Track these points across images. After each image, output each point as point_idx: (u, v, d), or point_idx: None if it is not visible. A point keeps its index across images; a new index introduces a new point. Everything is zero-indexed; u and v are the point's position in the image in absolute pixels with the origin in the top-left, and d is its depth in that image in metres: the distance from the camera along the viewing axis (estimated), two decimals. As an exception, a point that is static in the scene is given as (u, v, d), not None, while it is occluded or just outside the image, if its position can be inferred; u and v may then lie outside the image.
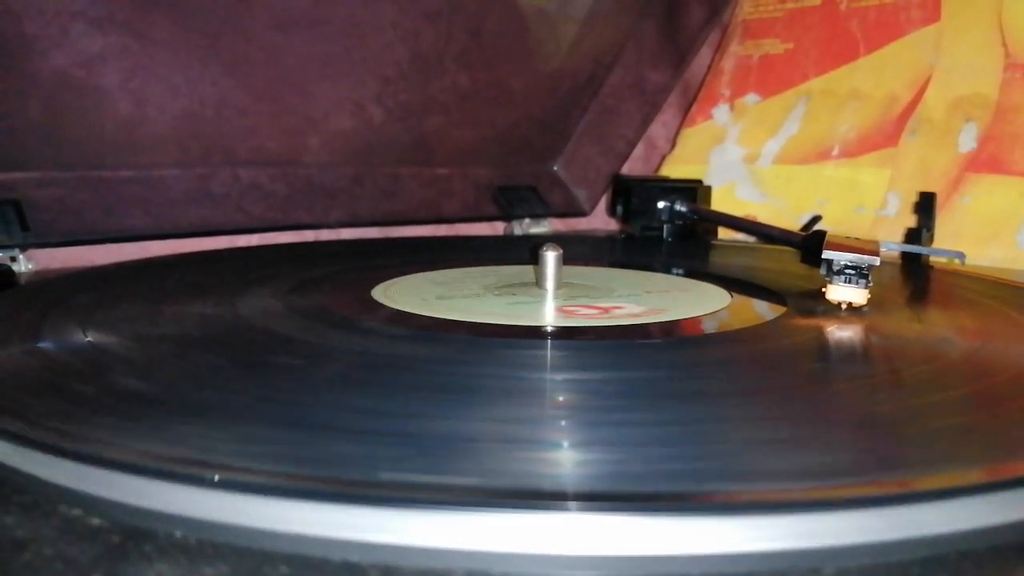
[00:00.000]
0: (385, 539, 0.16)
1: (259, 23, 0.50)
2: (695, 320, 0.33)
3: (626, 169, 0.71)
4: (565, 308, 0.34)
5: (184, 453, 0.19)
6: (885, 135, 0.57)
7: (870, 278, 0.34)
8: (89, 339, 0.28)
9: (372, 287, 0.38)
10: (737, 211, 0.59)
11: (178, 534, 0.16)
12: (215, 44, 0.50)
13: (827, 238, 0.36)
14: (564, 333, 0.31)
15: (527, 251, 0.46)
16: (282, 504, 0.16)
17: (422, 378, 0.25)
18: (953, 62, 0.55)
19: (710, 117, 0.67)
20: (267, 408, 0.22)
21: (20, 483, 0.18)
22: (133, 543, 0.16)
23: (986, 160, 0.52)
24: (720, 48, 0.70)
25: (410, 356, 0.28)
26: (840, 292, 0.34)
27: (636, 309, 0.34)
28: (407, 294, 0.37)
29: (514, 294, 0.37)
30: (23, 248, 0.46)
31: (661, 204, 0.58)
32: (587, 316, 0.33)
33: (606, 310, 0.34)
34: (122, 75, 0.48)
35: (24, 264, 0.46)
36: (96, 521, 0.17)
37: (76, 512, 0.17)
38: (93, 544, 0.16)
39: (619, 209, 0.61)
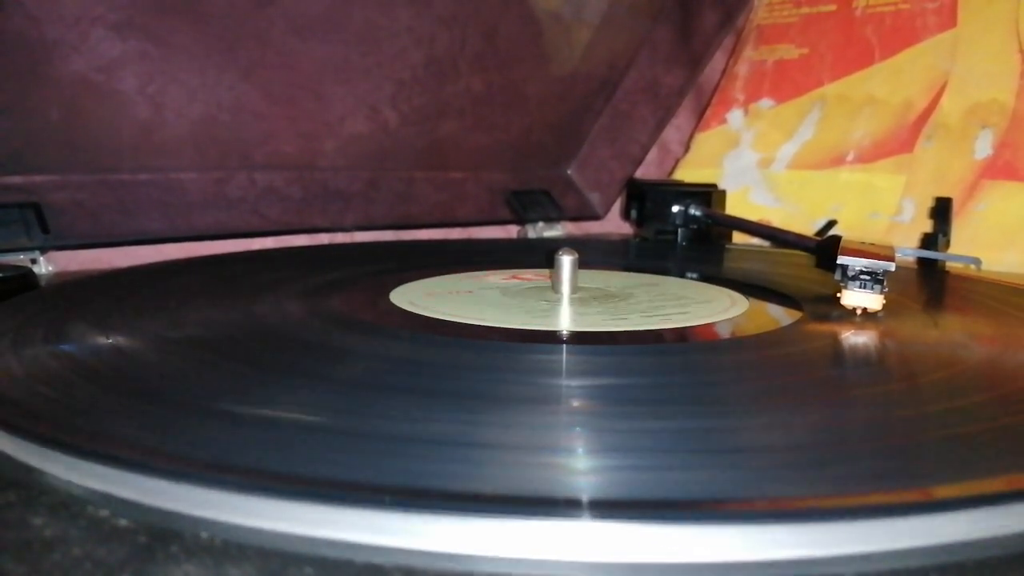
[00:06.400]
0: (408, 543, 0.16)
1: (276, 28, 0.51)
2: (712, 325, 0.33)
3: (640, 173, 0.71)
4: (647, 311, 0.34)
5: (208, 455, 0.19)
6: (900, 141, 0.57)
7: (885, 283, 0.34)
8: (111, 341, 0.28)
9: (388, 291, 0.38)
10: (751, 216, 0.59)
11: (204, 535, 0.16)
12: (232, 49, 0.50)
13: (842, 243, 0.36)
14: (580, 338, 0.31)
15: (542, 255, 0.46)
16: (307, 507, 0.16)
17: (439, 383, 0.25)
18: (969, 68, 0.55)
19: (724, 121, 0.67)
20: (289, 412, 0.22)
21: (48, 485, 0.18)
22: (160, 544, 0.16)
23: (1002, 167, 0.52)
24: (734, 53, 0.70)
25: (426, 362, 0.28)
26: (855, 297, 0.34)
27: (651, 314, 0.34)
28: (422, 298, 0.37)
29: (529, 299, 0.37)
30: (43, 250, 0.46)
31: (675, 208, 0.58)
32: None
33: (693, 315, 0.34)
34: (140, 80, 0.48)
35: (44, 266, 0.46)
36: (123, 522, 0.17)
37: (104, 513, 0.17)
38: (121, 545, 0.16)
39: (633, 213, 0.61)
